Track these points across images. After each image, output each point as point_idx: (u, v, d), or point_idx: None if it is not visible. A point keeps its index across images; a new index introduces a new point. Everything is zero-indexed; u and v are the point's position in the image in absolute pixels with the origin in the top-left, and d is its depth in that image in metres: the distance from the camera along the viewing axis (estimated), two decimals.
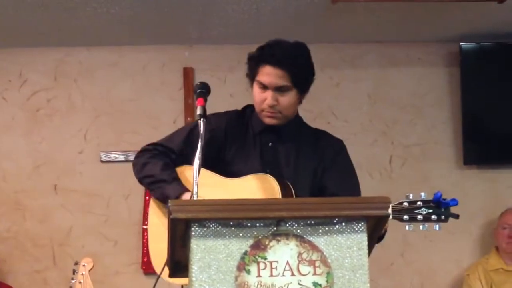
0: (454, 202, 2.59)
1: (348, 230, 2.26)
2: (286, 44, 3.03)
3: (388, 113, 5.41)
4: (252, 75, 3.02)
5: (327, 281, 2.23)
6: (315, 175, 2.99)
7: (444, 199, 2.58)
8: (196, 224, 2.22)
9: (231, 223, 2.22)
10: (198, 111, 2.79)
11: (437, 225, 2.57)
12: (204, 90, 2.88)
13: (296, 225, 2.25)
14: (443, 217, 2.58)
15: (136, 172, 3.08)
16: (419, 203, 2.57)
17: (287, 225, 2.24)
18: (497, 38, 5.32)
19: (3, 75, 5.26)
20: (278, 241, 2.23)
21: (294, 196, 2.79)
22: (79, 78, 5.30)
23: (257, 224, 2.23)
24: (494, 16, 4.95)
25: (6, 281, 4.99)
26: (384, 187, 5.23)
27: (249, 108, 3.14)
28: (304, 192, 2.91)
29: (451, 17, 4.97)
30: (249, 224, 2.23)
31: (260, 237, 2.23)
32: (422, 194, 2.58)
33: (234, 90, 5.07)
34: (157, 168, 2.99)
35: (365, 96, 5.42)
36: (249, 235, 2.23)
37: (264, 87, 2.96)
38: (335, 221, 2.26)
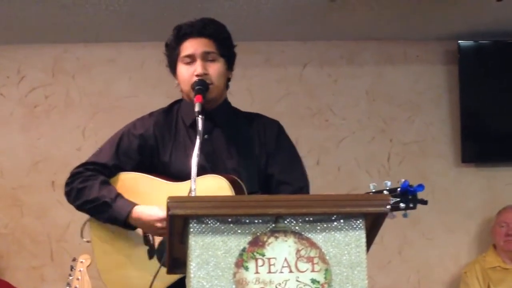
0: (421, 188, 2.57)
1: (347, 227, 2.26)
2: (201, 19, 2.96)
3: (386, 110, 5.41)
4: (174, 58, 2.92)
5: (325, 278, 2.23)
6: (259, 163, 2.89)
7: (410, 186, 2.56)
8: (195, 221, 2.21)
9: (230, 219, 2.22)
10: (197, 108, 2.74)
11: (406, 213, 2.54)
12: (203, 87, 2.82)
13: (294, 222, 2.24)
14: (411, 204, 2.55)
15: (72, 200, 2.92)
16: (385, 192, 2.55)
17: (286, 221, 2.24)
18: (496, 36, 5.32)
19: (1, 71, 5.25)
20: (277, 237, 2.23)
21: (245, 191, 2.73)
22: (77, 74, 5.30)
23: (256, 221, 2.23)
24: (493, 14, 4.95)
25: (4, 277, 4.99)
26: (382, 184, 5.22)
27: (176, 104, 3.03)
28: (252, 183, 2.82)
29: (449, 15, 4.97)
30: (247, 221, 2.22)
31: (258, 234, 2.22)
32: (388, 182, 2.57)
33: (232, 87, 5.06)
34: (95, 190, 2.85)
35: (363, 93, 5.42)
36: (247, 231, 2.22)
37: (190, 60, 2.88)
38: (333, 218, 2.26)
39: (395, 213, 2.53)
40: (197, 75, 2.85)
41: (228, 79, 3.00)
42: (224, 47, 2.94)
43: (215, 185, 2.70)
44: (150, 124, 2.96)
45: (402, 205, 2.54)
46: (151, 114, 3.02)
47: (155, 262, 2.80)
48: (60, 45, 5.28)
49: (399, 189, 2.56)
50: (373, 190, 2.57)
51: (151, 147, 2.92)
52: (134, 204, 2.80)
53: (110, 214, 2.83)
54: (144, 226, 2.79)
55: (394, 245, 5.23)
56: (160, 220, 2.71)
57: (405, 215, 2.55)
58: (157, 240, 2.82)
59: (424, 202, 2.58)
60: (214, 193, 2.63)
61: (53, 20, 4.86)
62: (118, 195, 2.84)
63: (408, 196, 2.55)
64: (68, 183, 2.94)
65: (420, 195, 2.62)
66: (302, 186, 2.91)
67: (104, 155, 2.95)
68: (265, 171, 2.91)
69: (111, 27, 5.03)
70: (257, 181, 2.88)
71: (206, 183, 2.61)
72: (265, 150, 2.93)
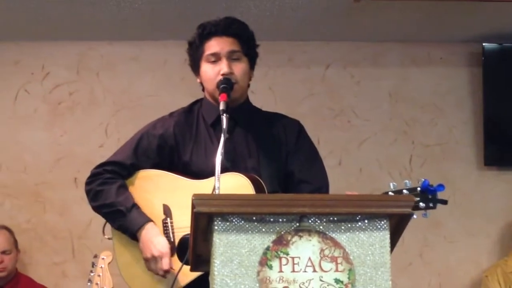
0: (441, 188, 2.56)
1: (371, 228, 2.26)
2: (225, 18, 2.96)
3: (408, 112, 5.39)
4: (198, 57, 2.92)
5: (348, 278, 2.23)
6: (279, 163, 2.90)
7: (430, 186, 2.55)
8: (219, 219, 2.22)
9: (254, 218, 2.22)
10: (221, 106, 2.74)
11: (426, 213, 2.53)
12: (228, 86, 2.82)
13: (318, 221, 2.24)
14: (431, 204, 2.54)
15: (90, 200, 2.95)
16: (405, 191, 2.54)
17: (310, 221, 2.24)
18: None
19: (26, 68, 5.29)
20: (301, 237, 2.23)
21: (266, 190, 2.73)
22: (101, 72, 5.32)
23: (280, 220, 2.23)
24: None
25: (26, 272, 5.02)
26: (402, 184, 5.21)
27: (197, 103, 3.03)
28: (273, 182, 2.82)
29: (474, 17, 4.95)
30: (272, 220, 2.23)
31: (282, 233, 2.23)
32: (408, 182, 2.56)
33: (255, 86, 5.06)
34: (112, 195, 2.87)
35: (386, 94, 5.40)
36: (271, 230, 2.22)
37: (215, 58, 2.87)
38: (358, 218, 2.26)
39: (415, 214, 2.52)
40: (223, 74, 2.86)
41: (250, 79, 2.99)
42: (248, 46, 2.94)
43: (236, 183, 2.71)
44: (170, 125, 2.96)
45: (421, 204, 2.53)
46: (171, 114, 3.02)
47: (175, 259, 2.81)
48: (85, 43, 5.30)
49: (419, 188, 2.54)
50: (393, 189, 2.56)
51: (171, 147, 2.93)
52: (147, 220, 2.83)
53: (122, 223, 2.86)
54: (143, 247, 2.82)
55: (415, 248, 5.21)
56: (159, 255, 2.77)
57: (424, 215, 2.54)
58: (177, 238, 2.83)
59: (444, 202, 2.57)
60: (235, 191, 2.64)
61: (78, 18, 4.89)
62: (134, 206, 2.86)
63: (428, 196, 2.54)
64: (88, 183, 2.97)
65: (442, 197, 2.61)
66: (321, 185, 2.91)
67: (123, 154, 2.96)
68: (285, 170, 2.91)
69: (135, 25, 5.05)
70: (277, 181, 2.88)
71: (227, 181, 2.61)
72: (285, 150, 2.93)
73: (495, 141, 5.29)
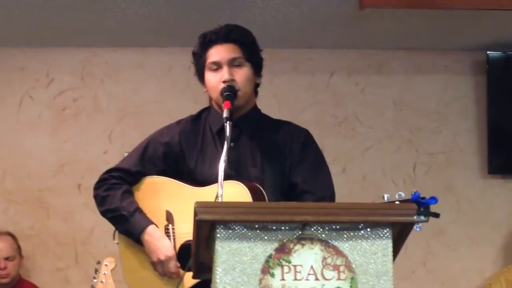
0: (433, 200, 2.54)
1: (373, 236, 2.26)
2: (225, 25, 2.97)
3: (413, 120, 5.39)
4: (201, 65, 2.93)
5: (351, 287, 2.23)
6: (283, 172, 2.89)
7: (422, 198, 2.53)
8: (221, 226, 2.22)
9: (257, 226, 2.23)
10: (225, 114, 2.75)
11: (418, 226, 2.51)
12: (231, 93, 2.82)
13: (321, 229, 2.24)
14: (423, 217, 2.53)
15: (97, 206, 2.99)
16: (396, 204, 2.51)
17: (312, 229, 2.24)
18: None
19: (31, 74, 5.30)
20: (303, 245, 2.23)
21: (266, 199, 2.74)
22: (105, 78, 5.33)
23: (282, 228, 2.23)
24: None
25: (29, 278, 5.03)
26: (408, 194, 5.20)
27: (205, 111, 3.04)
28: (275, 191, 2.82)
29: (478, 26, 4.95)
30: (274, 228, 2.23)
31: (285, 241, 2.23)
32: (401, 193, 2.54)
33: (259, 93, 5.07)
34: (116, 200, 2.90)
35: (390, 102, 5.40)
36: (274, 238, 2.23)
37: (217, 66, 2.88)
38: (360, 226, 2.26)
39: None
40: (224, 81, 2.86)
41: (257, 85, 2.99)
42: (250, 52, 2.94)
43: (233, 192, 2.71)
44: (176, 132, 2.98)
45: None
46: (178, 122, 3.04)
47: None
48: (89, 49, 5.31)
49: (409, 200, 2.52)
50: (386, 201, 2.55)
51: (176, 155, 2.95)
52: (149, 223, 2.85)
53: (125, 228, 2.89)
54: (148, 251, 2.85)
55: (418, 256, 5.20)
56: (165, 259, 2.80)
57: (417, 227, 2.52)
58: (178, 244, 2.85)
59: (436, 215, 2.55)
60: (232, 200, 2.64)
61: (83, 24, 4.90)
62: (137, 210, 2.88)
63: (419, 208, 2.52)
64: (95, 188, 3.00)
65: (445, 205, 2.60)
66: (324, 195, 2.89)
67: (130, 161, 2.99)
68: (289, 180, 2.90)
69: (140, 32, 5.06)
70: (280, 190, 2.87)
71: (225, 190, 2.61)
72: (290, 159, 2.92)
73: (499, 149, 5.28)
